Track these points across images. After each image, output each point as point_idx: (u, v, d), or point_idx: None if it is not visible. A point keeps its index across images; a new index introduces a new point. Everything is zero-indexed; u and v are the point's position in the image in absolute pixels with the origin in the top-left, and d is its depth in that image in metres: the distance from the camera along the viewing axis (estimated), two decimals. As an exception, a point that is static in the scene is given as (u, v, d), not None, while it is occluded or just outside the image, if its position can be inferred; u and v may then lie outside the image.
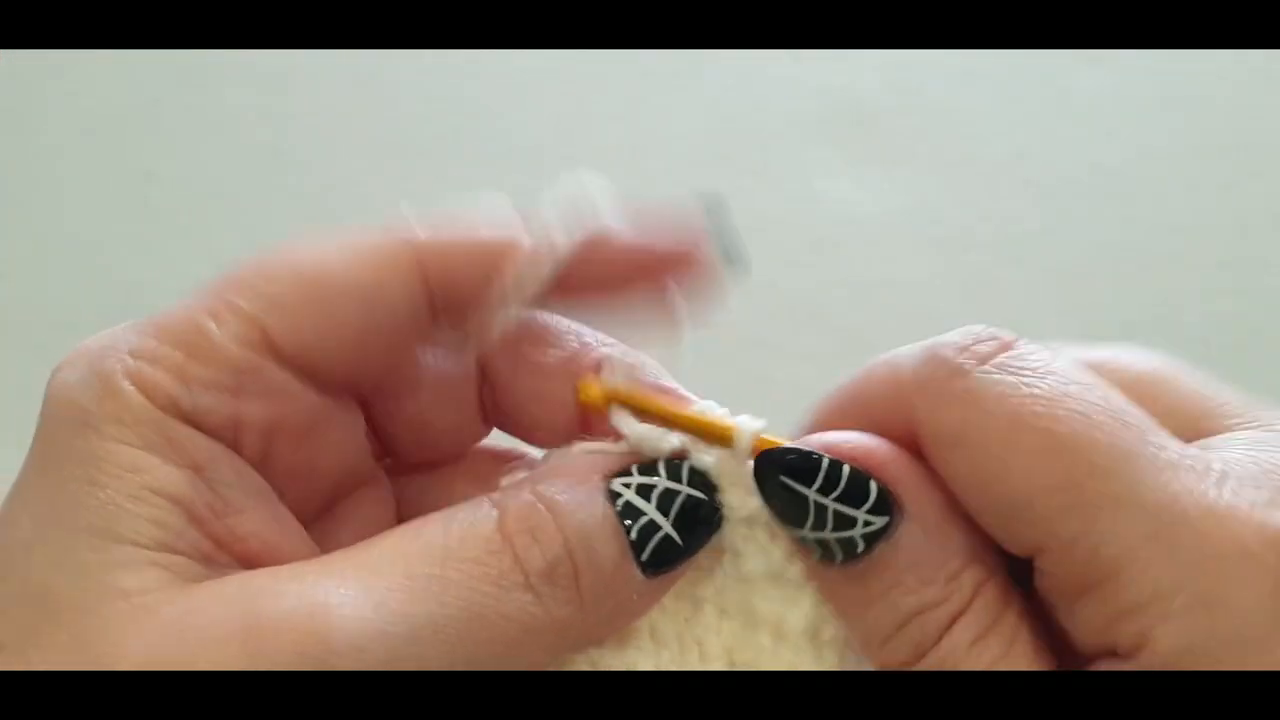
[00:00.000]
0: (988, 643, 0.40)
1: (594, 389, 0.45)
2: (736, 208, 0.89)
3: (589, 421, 0.46)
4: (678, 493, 0.43)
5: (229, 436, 0.42)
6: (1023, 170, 0.98)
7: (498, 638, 0.39)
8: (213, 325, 0.42)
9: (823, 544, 0.42)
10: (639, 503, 0.42)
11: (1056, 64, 1.01)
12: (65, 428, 0.41)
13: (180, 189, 0.92)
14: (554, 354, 0.47)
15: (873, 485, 0.41)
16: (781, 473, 0.42)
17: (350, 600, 0.38)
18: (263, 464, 0.43)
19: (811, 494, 0.41)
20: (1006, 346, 0.41)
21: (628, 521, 0.42)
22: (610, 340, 0.47)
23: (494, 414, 0.49)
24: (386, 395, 0.47)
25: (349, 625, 0.37)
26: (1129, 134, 0.99)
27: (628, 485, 0.43)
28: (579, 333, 0.47)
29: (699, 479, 0.44)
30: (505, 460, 0.49)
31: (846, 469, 0.41)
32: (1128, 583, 0.38)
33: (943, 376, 0.41)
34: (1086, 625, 0.39)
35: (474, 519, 0.41)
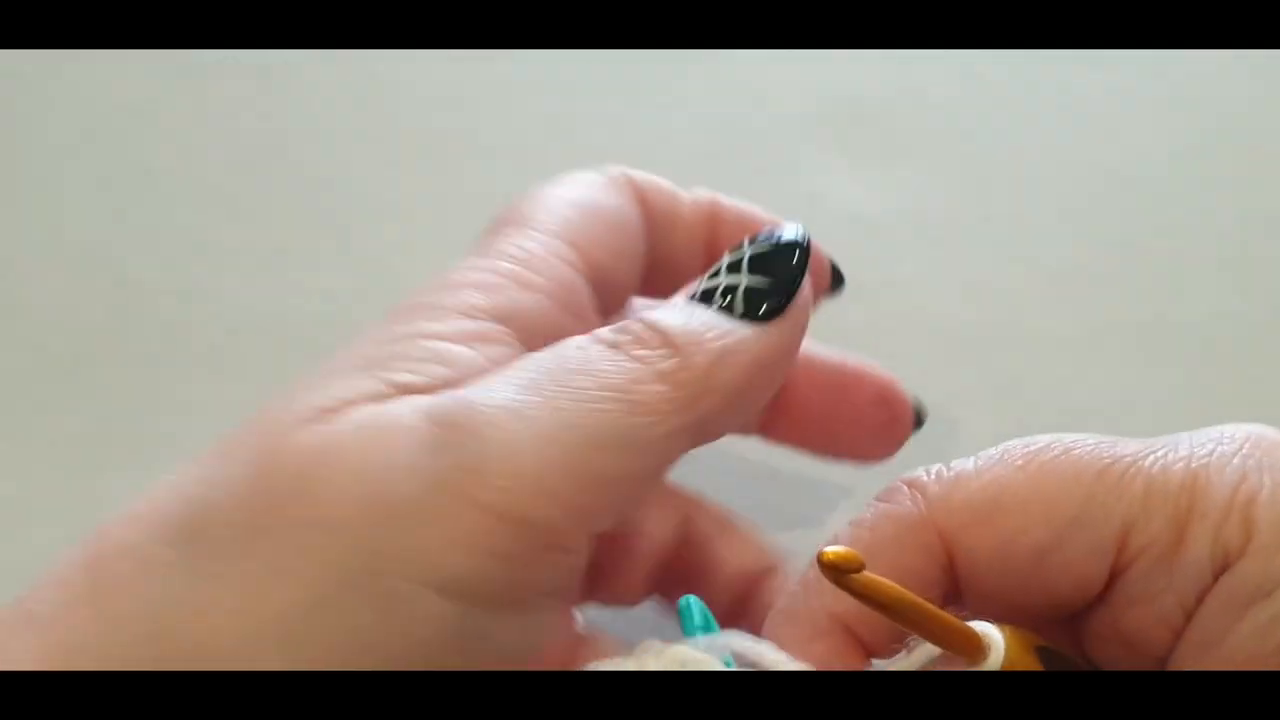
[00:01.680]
0: None
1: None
2: (736, 208, 0.88)
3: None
4: (737, 285, 0.44)
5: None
6: (1023, 170, 0.98)
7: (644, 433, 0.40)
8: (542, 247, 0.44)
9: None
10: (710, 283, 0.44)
11: (1056, 64, 1.01)
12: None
13: (180, 189, 0.92)
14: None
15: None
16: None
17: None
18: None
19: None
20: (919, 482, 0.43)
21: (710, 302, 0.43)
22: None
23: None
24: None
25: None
26: (1129, 134, 0.99)
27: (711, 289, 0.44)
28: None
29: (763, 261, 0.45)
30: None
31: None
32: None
33: (933, 490, 0.42)
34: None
35: (582, 344, 0.42)
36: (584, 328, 0.43)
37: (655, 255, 0.50)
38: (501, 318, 0.42)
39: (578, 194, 0.48)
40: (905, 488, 0.41)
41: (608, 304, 0.47)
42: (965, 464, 0.42)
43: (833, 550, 0.37)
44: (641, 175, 0.51)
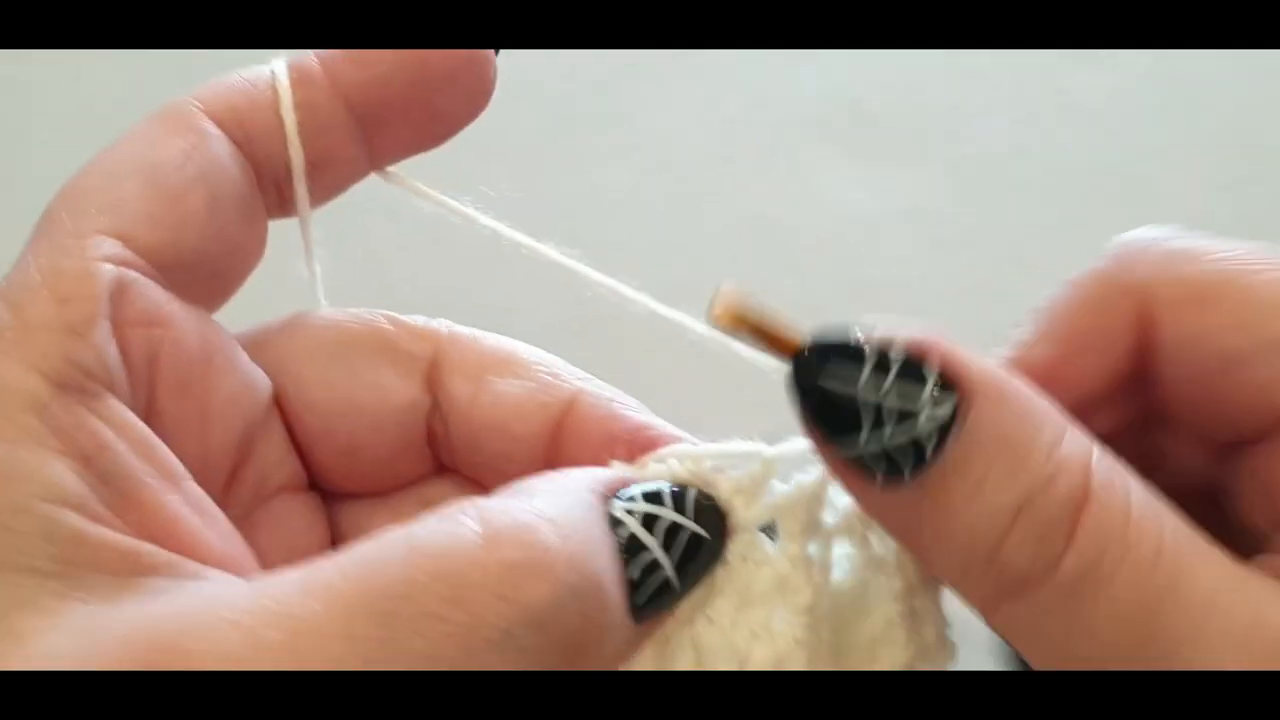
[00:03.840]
0: (1140, 527, 0.33)
1: (727, 309, 0.37)
2: (737, 208, 0.90)
3: (550, 460, 0.41)
4: (682, 528, 0.37)
5: (111, 382, 0.35)
6: (1023, 170, 0.98)
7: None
8: (72, 259, 0.36)
9: (886, 456, 0.34)
10: (643, 536, 0.36)
11: (1056, 64, 1.01)
12: None
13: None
14: (519, 384, 0.42)
15: (928, 368, 0.34)
16: (822, 369, 0.35)
17: (270, 662, 0.31)
18: (151, 417, 0.37)
19: (860, 388, 0.34)
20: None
21: (628, 558, 0.35)
22: (583, 374, 0.43)
23: (446, 449, 0.43)
24: (312, 414, 0.42)
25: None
26: (1129, 134, 0.99)
27: (631, 512, 0.36)
28: (548, 364, 0.42)
29: (707, 511, 0.38)
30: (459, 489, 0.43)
31: (897, 349, 0.35)
32: None
33: (1166, 243, 0.38)
34: None
35: (449, 541, 0.33)
36: (160, 330, 0.38)
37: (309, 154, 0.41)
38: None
39: (128, 159, 0.39)
40: (1123, 251, 0.39)
41: (197, 266, 0.39)
42: (1195, 241, 0.39)
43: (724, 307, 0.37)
44: (224, 91, 0.41)
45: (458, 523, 0.33)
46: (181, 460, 0.36)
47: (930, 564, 0.37)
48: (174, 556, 0.34)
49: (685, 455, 0.39)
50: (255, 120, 0.40)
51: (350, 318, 0.43)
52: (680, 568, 0.37)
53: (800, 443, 0.38)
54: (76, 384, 0.35)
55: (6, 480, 0.33)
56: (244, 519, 0.40)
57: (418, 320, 0.44)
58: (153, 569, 0.33)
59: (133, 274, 0.37)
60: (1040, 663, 0.35)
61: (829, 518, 0.40)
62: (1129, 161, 0.97)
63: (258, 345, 0.42)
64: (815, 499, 0.40)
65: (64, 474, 0.33)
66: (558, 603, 0.33)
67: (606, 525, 0.35)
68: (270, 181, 0.41)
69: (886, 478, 0.35)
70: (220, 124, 0.40)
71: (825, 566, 0.40)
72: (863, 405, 0.35)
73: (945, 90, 1.01)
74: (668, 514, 0.37)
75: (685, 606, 0.38)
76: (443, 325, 0.44)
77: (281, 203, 0.42)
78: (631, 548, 0.36)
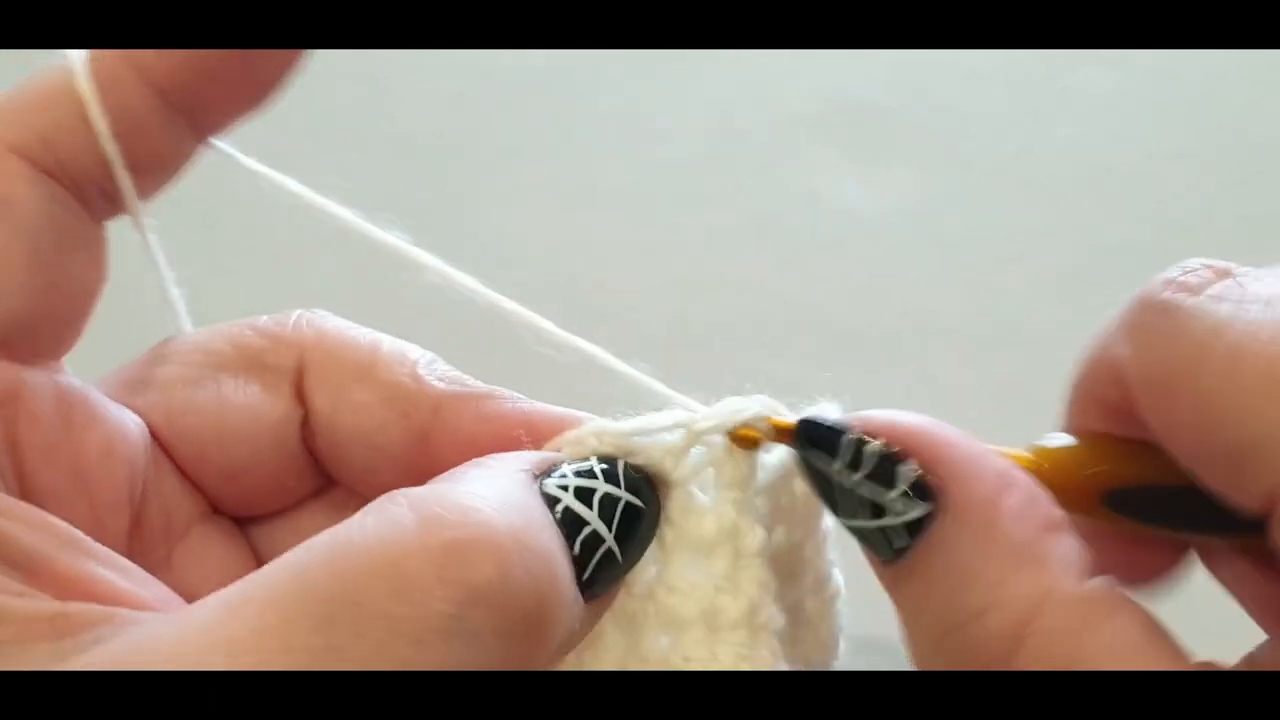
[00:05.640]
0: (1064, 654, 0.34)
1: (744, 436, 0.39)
2: (737, 208, 0.90)
3: (423, 468, 0.38)
4: (618, 499, 0.37)
5: None
6: (1023, 170, 0.98)
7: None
8: None
9: (864, 535, 0.36)
10: (580, 509, 0.35)
11: (1057, 64, 1.01)
12: None
13: (181, 188, 0.92)
14: (377, 393, 0.40)
15: (904, 469, 0.36)
16: (805, 447, 0.37)
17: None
18: (29, 494, 0.35)
19: (834, 472, 0.36)
20: (1222, 275, 0.35)
21: (568, 533, 0.34)
22: (451, 372, 0.40)
23: (323, 462, 0.41)
24: (187, 444, 0.40)
25: None
26: (1129, 134, 0.99)
27: (564, 487, 0.35)
28: (412, 364, 0.40)
29: (637, 482, 0.38)
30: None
31: (874, 447, 0.36)
32: None
33: (1150, 316, 0.36)
34: None
35: (380, 532, 0.31)
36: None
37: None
38: None
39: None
40: (1121, 316, 0.37)
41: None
42: (1182, 301, 0.35)
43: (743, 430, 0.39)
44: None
45: (386, 513, 0.31)
46: (74, 526, 0.35)
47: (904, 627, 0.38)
48: (106, 609, 0.32)
49: (603, 431, 0.39)
50: (64, 141, 0.37)
51: (214, 337, 0.41)
52: (620, 538, 0.36)
53: (718, 409, 0.39)
54: None
55: None
56: (164, 563, 0.39)
57: (288, 322, 0.41)
58: (87, 625, 0.32)
59: None
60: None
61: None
62: (1129, 161, 0.97)
63: (127, 387, 0.40)
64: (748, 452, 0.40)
65: None
66: (506, 578, 0.31)
67: (543, 501, 0.34)
68: (95, 191, 0.38)
69: (868, 549, 0.37)
70: (26, 155, 0.37)
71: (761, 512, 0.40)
72: (837, 488, 0.37)
73: (946, 90, 1.01)
74: (600, 486, 0.36)
75: (641, 582, 0.38)
76: (312, 324, 0.41)
77: (113, 204, 0.39)
78: (569, 521, 0.35)
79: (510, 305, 0.42)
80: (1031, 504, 0.36)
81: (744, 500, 0.39)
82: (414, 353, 0.41)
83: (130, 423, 0.39)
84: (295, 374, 0.41)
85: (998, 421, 0.82)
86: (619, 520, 0.36)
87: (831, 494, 0.37)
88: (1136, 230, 0.94)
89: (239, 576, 0.34)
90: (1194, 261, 0.36)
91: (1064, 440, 0.39)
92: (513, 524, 0.32)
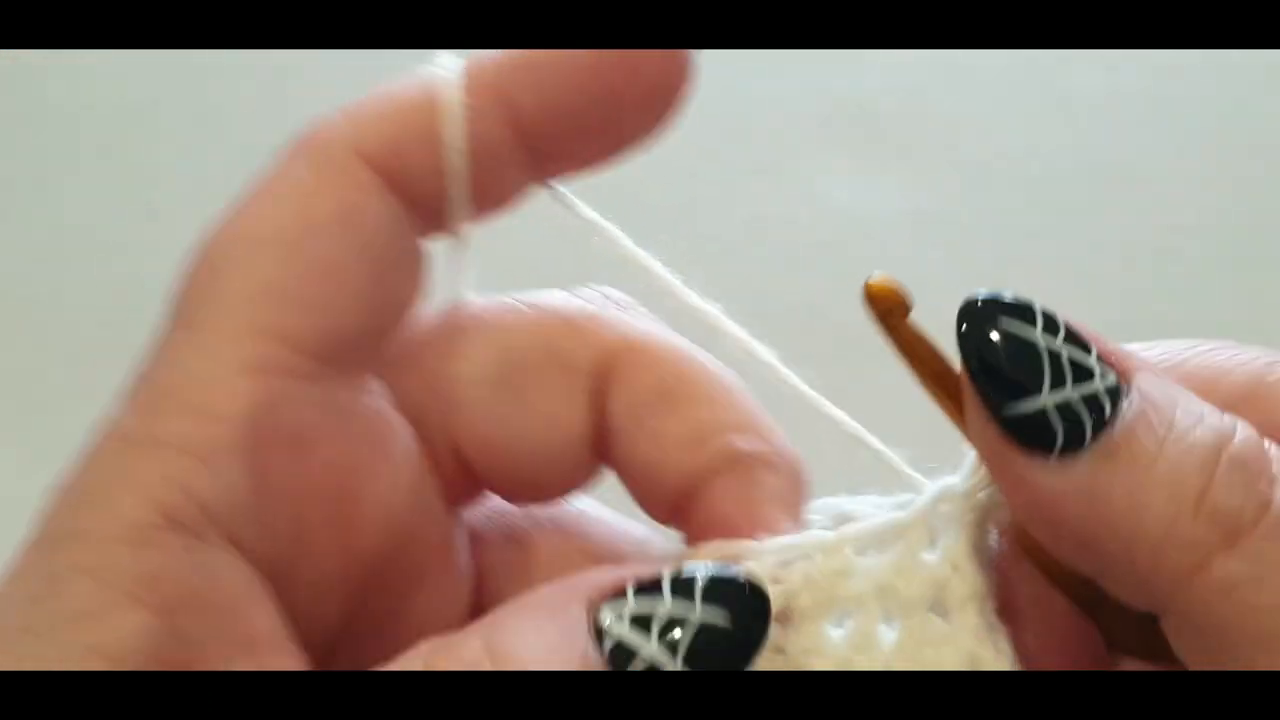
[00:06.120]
0: None
1: (883, 291, 0.37)
2: (738, 208, 0.90)
3: (684, 510, 0.37)
4: (685, 620, 0.32)
5: (229, 523, 0.32)
6: (1023, 170, 0.98)
7: None
8: (213, 363, 0.32)
9: (1067, 412, 0.33)
10: (633, 640, 0.32)
11: (1057, 64, 1.01)
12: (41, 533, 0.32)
13: (182, 188, 0.92)
14: (683, 426, 0.37)
15: (1089, 339, 0.34)
16: (1001, 313, 0.34)
17: None
18: (291, 544, 0.33)
19: (1039, 335, 0.34)
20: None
21: (617, 664, 0.32)
22: (754, 421, 0.38)
23: (615, 472, 0.39)
24: (482, 453, 0.38)
25: None
26: (1129, 134, 0.99)
27: (619, 615, 0.32)
28: (720, 396, 0.38)
29: (726, 593, 0.33)
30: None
31: (1060, 316, 0.34)
32: None
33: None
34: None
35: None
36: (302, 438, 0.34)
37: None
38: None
39: (279, 225, 0.34)
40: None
41: (354, 347, 0.35)
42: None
43: (879, 281, 0.36)
44: (373, 125, 0.36)
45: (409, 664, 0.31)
46: (319, 579, 0.34)
47: (1115, 539, 0.33)
48: None
49: (748, 552, 0.36)
50: (415, 158, 0.35)
51: (512, 316, 0.38)
52: (692, 662, 0.32)
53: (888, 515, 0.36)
54: (188, 521, 0.31)
55: (66, 621, 0.30)
56: (392, 616, 0.37)
57: (590, 307, 0.39)
58: None
59: (281, 384, 0.33)
60: (1247, 634, 0.33)
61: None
62: (1130, 162, 0.97)
63: (410, 363, 0.37)
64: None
65: (130, 626, 0.30)
66: None
67: (589, 638, 0.32)
68: (428, 211, 0.36)
69: (1066, 442, 0.33)
70: (378, 167, 0.35)
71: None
72: (1044, 352, 0.34)
73: (946, 91, 1.01)
74: (665, 607, 0.32)
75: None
76: (617, 320, 0.39)
77: (438, 225, 0.37)
78: (619, 657, 0.32)
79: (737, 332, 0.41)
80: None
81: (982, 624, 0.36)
82: (719, 383, 0.38)
83: (409, 458, 0.37)
84: (596, 378, 0.38)
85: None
86: (689, 644, 0.32)
87: (1035, 362, 0.33)
88: (1135, 230, 0.94)
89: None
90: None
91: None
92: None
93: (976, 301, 0.35)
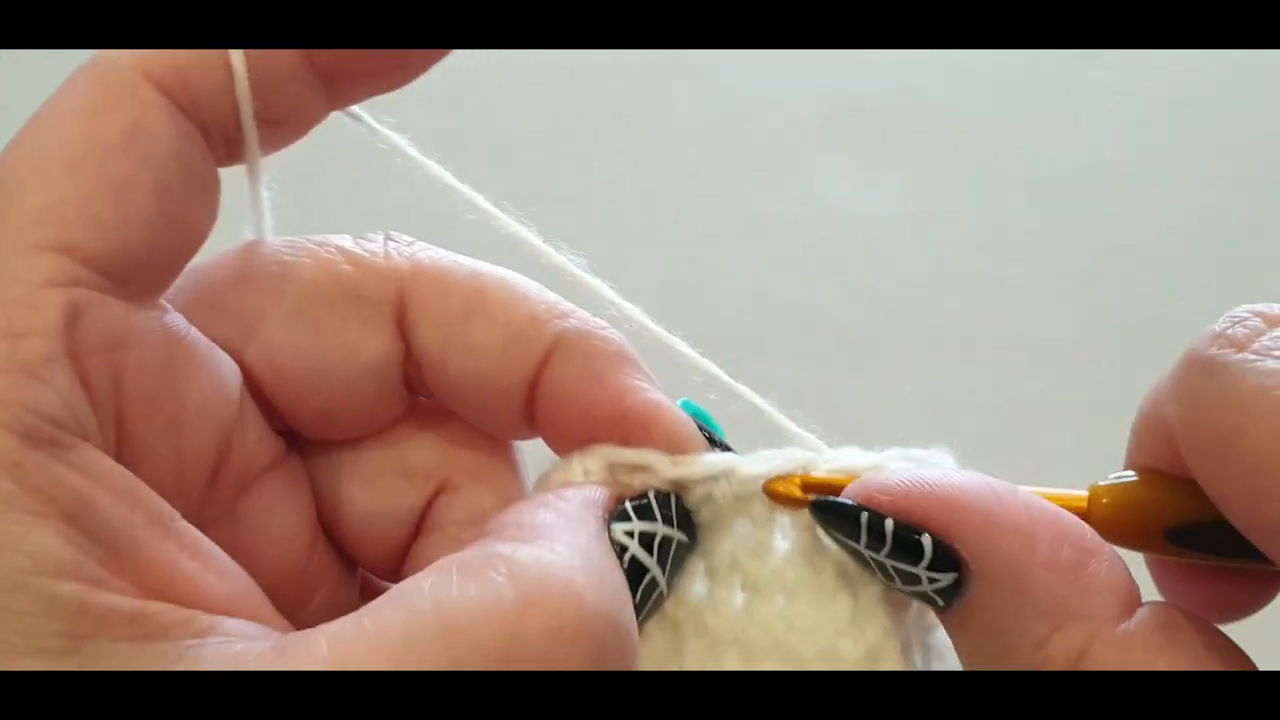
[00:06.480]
0: None
1: (787, 485, 0.39)
2: (738, 208, 0.90)
3: (533, 412, 0.39)
4: (672, 540, 0.37)
5: (81, 427, 0.33)
6: (1023, 170, 0.98)
7: None
8: (17, 285, 0.33)
9: (910, 594, 0.37)
10: (644, 558, 0.36)
11: (1057, 64, 1.01)
12: None
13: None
14: (492, 333, 0.39)
15: (925, 541, 0.35)
16: (827, 527, 0.37)
17: None
18: (121, 445, 0.34)
19: (861, 550, 0.36)
20: (1274, 322, 0.33)
21: (633, 584, 0.36)
22: (568, 308, 0.39)
23: (425, 391, 0.40)
24: (283, 381, 0.39)
25: None
26: (1129, 134, 0.99)
27: (630, 534, 0.36)
28: (523, 297, 0.39)
29: (687, 518, 0.39)
30: (437, 426, 0.40)
31: (890, 524, 0.36)
32: None
33: (1194, 376, 0.34)
34: None
35: (483, 609, 0.31)
36: (120, 345, 0.34)
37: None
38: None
39: (65, 143, 0.34)
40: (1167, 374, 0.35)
41: (152, 263, 0.36)
42: (1225, 357, 0.34)
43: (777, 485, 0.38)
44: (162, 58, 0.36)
45: (488, 585, 0.32)
46: (158, 482, 0.34)
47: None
48: (184, 612, 0.32)
49: (661, 472, 0.38)
50: (202, 81, 0.36)
51: (304, 256, 0.39)
52: (670, 577, 0.38)
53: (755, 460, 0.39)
54: (46, 435, 0.32)
55: None
56: (227, 514, 0.38)
57: (378, 249, 0.40)
58: (164, 631, 0.32)
59: (84, 294, 0.33)
60: None
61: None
62: (1130, 162, 0.97)
63: (212, 303, 0.39)
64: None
65: (51, 540, 0.31)
66: (596, 659, 0.32)
67: (616, 559, 0.35)
68: (219, 136, 0.37)
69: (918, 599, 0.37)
70: (163, 87, 0.36)
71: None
72: (869, 560, 0.37)
73: (946, 91, 1.01)
74: (660, 529, 0.37)
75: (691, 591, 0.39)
76: (405, 253, 0.40)
77: (231, 153, 0.38)
78: (634, 572, 0.36)
79: (611, 295, 0.42)
80: (1058, 547, 0.35)
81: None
82: (520, 285, 0.39)
83: (227, 371, 0.38)
84: (395, 308, 0.39)
85: (997, 423, 0.82)
86: (672, 561, 0.37)
87: (865, 564, 0.37)
88: (1135, 230, 0.94)
89: (298, 533, 0.38)
90: (1243, 310, 0.34)
91: (1125, 477, 0.38)
92: (604, 603, 0.33)
93: (811, 507, 0.37)
